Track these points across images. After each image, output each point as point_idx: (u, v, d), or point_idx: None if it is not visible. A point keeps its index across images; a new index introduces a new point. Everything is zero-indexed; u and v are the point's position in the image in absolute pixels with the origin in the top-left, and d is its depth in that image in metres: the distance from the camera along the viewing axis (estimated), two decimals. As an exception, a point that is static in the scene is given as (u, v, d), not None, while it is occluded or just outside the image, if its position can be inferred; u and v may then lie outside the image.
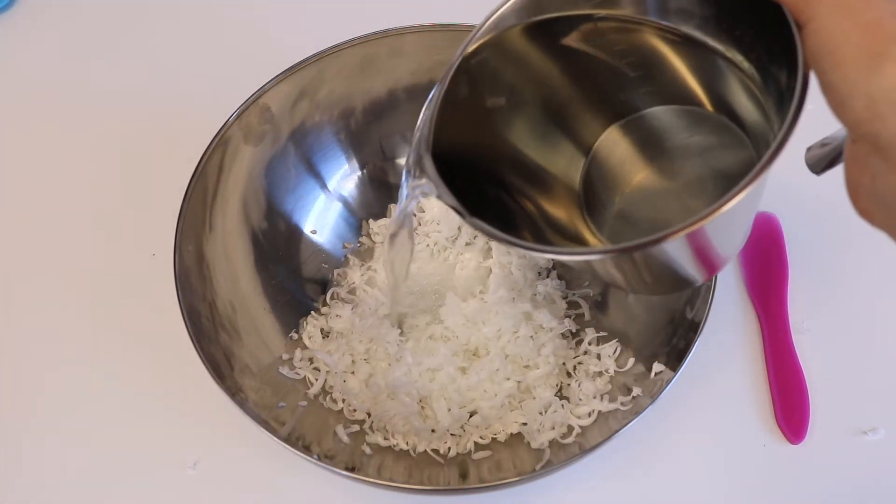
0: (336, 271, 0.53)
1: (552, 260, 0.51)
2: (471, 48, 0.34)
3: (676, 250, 0.30)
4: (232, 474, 0.47)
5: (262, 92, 0.49)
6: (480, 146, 0.37)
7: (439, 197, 0.33)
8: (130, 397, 0.49)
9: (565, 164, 0.40)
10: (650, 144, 0.39)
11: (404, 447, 0.45)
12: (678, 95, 0.37)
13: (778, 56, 0.28)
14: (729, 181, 0.28)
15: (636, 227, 0.39)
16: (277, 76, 0.49)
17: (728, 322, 0.51)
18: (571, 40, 0.35)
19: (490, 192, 0.37)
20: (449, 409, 0.46)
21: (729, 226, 0.31)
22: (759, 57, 0.31)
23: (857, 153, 0.26)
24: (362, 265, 0.53)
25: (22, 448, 0.48)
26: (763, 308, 0.51)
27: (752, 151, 0.35)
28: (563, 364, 0.48)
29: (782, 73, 0.29)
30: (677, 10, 0.33)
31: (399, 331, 0.49)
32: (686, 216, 0.27)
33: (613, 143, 0.40)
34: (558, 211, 0.40)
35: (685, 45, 0.34)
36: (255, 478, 0.47)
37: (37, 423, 0.49)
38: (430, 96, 0.34)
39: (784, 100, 0.28)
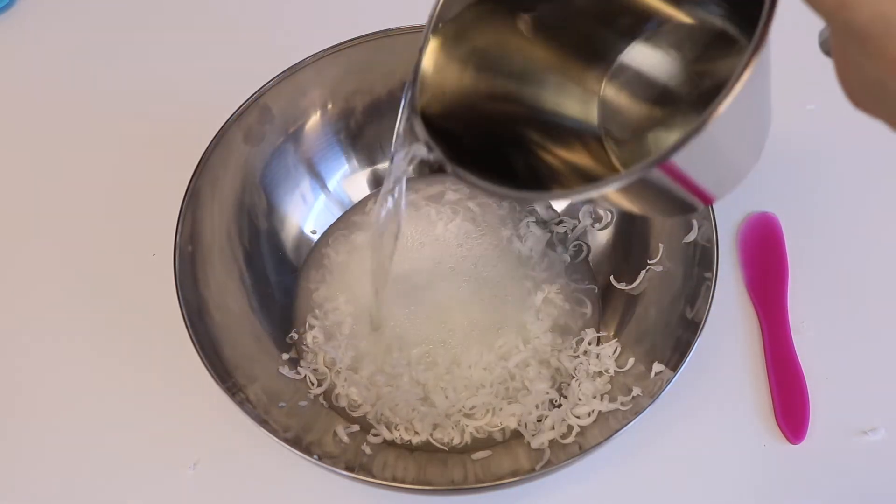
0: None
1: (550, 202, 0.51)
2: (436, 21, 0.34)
3: (687, 163, 0.28)
4: (232, 474, 0.47)
5: (262, 92, 0.49)
6: (486, 111, 0.37)
7: (432, 153, 0.33)
8: (130, 397, 0.49)
9: (579, 108, 0.40)
10: (653, 73, 0.39)
11: (406, 437, 0.46)
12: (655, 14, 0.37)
13: None
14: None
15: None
16: (277, 76, 0.49)
17: (728, 322, 0.51)
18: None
19: (513, 156, 0.37)
20: (447, 396, 0.47)
21: (738, 123, 0.29)
22: None
23: (837, 44, 0.26)
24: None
25: (22, 448, 0.48)
26: (763, 308, 0.51)
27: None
28: (559, 354, 0.49)
29: None
30: None
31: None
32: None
33: (620, 79, 0.39)
34: (584, 158, 0.39)
35: None
36: (255, 478, 0.47)
37: (37, 422, 0.49)
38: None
39: None
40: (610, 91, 0.40)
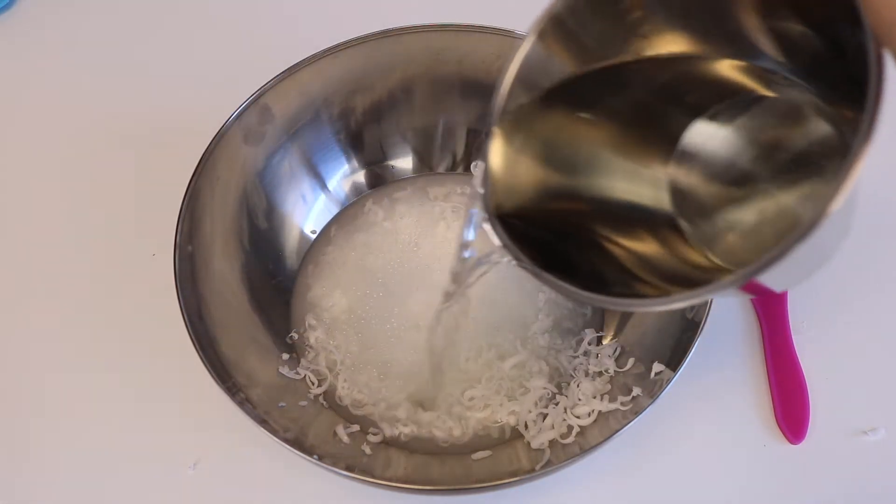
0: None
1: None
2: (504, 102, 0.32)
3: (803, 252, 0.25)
4: (232, 474, 0.47)
5: (262, 92, 0.49)
6: (553, 208, 0.35)
7: (516, 259, 0.31)
8: (130, 397, 0.49)
9: (651, 193, 0.37)
10: (722, 149, 0.36)
11: (406, 431, 0.46)
12: (728, 88, 0.34)
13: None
14: (814, 162, 0.25)
15: (751, 237, 0.36)
16: (277, 76, 0.49)
17: (728, 322, 0.51)
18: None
19: (578, 255, 0.35)
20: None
21: (843, 219, 0.27)
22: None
23: None
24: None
25: (22, 448, 0.48)
26: (763, 308, 0.51)
27: (824, 124, 0.32)
28: (558, 354, 0.49)
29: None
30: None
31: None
32: (786, 213, 0.24)
33: (688, 159, 0.37)
34: (654, 247, 0.37)
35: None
36: (255, 478, 0.47)
37: (37, 422, 0.49)
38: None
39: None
40: (680, 173, 0.37)
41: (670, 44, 0.32)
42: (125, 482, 0.47)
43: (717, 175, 0.37)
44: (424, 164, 0.56)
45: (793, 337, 0.50)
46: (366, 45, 0.50)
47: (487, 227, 0.32)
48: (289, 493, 0.46)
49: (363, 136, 0.54)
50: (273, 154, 0.51)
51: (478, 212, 0.33)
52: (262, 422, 0.40)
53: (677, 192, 0.37)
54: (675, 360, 0.42)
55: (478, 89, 0.53)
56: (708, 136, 0.36)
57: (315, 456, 0.39)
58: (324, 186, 0.54)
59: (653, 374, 0.44)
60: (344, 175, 0.55)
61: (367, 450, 0.45)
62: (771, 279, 0.24)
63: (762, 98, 0.34)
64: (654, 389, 0.42)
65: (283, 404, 0.45)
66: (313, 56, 0.49)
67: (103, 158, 0.59)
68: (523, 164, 0.34)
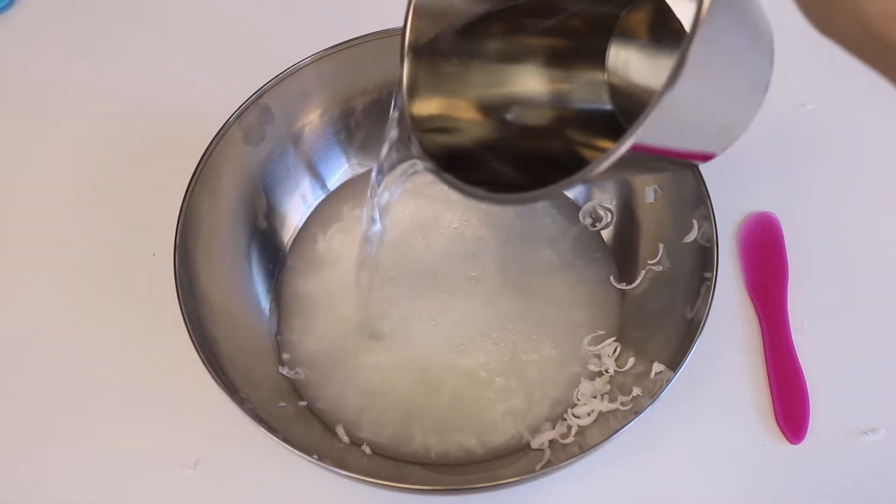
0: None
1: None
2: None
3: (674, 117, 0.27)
4: (232, 474, 0.47)
5: (262, 92, 0.49)
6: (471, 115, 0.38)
7: (426, 167, 0.34)
8: (130, 397, 0.49)
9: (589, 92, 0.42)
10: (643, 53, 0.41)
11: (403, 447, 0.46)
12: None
13: None
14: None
15: None
16: (277, 76, 0.49)
17: (728, 322, 0.51)
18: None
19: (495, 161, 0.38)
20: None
21: (704, 83, 0.28)
22: None
23: None
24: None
25: (22, 448, 0.48)
26: (763, 308, 0.51)
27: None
28: None
29: None
30: None
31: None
32: None
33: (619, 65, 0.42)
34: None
35: None
36: (255, 478, 0.47)
37: (36, 422, 0.49)
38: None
39: None
40: (614, 77, 0.42)
41: None
42: (125, 482, 0.47)
43: (644, 72, 0.41)
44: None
45: (793, 337, 0.50)
46: (366, 45, 0.50)
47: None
48: (289, 493, 0.46)
49: (363, 136, 0.54)
50: (273, 154, 0.51)
51: (394, 132, 0.36)
52: (262, 422, 0.40)
53: (617, 92, 0.42)
54: (675, 360, 0.42)
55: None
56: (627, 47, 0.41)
57: (315, 456, 0.39)
58: (324, 186, 0.54)
59: (653, 374, 0.44)
60: (344, 175, 0.55)
61: (367, 450, 0.45)
62: (652, 143, 0.27)
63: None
64: (654, 389, 0.42)
65: (283, 404, 0.45)
66: (313, 56, 0.49)
67: (103, 158, 0.59)
68: (444, 68, 0.37)
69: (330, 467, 0.39)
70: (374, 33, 0.50)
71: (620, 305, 0.50)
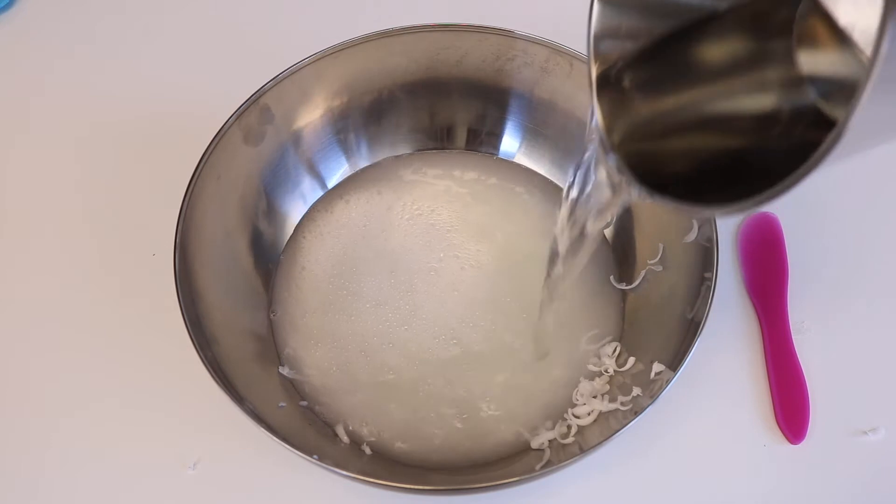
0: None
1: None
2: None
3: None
4: (232, 474, 0.47)
5: (262, 92, 0.49)
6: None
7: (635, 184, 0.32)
8: (130, 397, 0.49)
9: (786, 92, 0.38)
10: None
11: (404, 447, 0.46)
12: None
13: None
14: None
15: None
16: (277, 76, 0.49)
17: (728, 322, 0.51)
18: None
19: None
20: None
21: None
22: None
23: None
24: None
25: (21, 448, 0.48)
26: (763, 308, 0.51)
27: None
28: None
29: None
30: None
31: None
32: None
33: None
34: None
35: None
36: (255, 478, 0.47)
37: (36, 422, 0.49)
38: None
39: None
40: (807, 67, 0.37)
41: None
42: (125, 482, 0.47)
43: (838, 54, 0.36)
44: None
45: (793, 337, 0.50)
46: (366, 45, 0.50)
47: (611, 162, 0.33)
48: (289, 494, 0.46)
49: (363, 136, 0.54)
50: (273, 154, 0.51)
51: (594, 150, 0.34)
52: (262, 422, 0.40)
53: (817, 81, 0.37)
54: (675, 360, 0.42)
55: (478, 89, 0.53)
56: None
57: (315, 456, 0.39)
58: (324, 186, 0.54)
59: (653, 374, 0.44)
60: (344, 175, 0.55)
61: (367, 450, 0.45)
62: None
63: None
64: (654, 389, 0.42)
65: (283, 404, 0.45)
66: (313, 56, 0.49)
67: (103, 158, 0.59)
68: (633, 103, 0.35)
69: (330, 467, 0.39)
70: (374, 33, 0.50)
71: (620, 305, 0.50)
